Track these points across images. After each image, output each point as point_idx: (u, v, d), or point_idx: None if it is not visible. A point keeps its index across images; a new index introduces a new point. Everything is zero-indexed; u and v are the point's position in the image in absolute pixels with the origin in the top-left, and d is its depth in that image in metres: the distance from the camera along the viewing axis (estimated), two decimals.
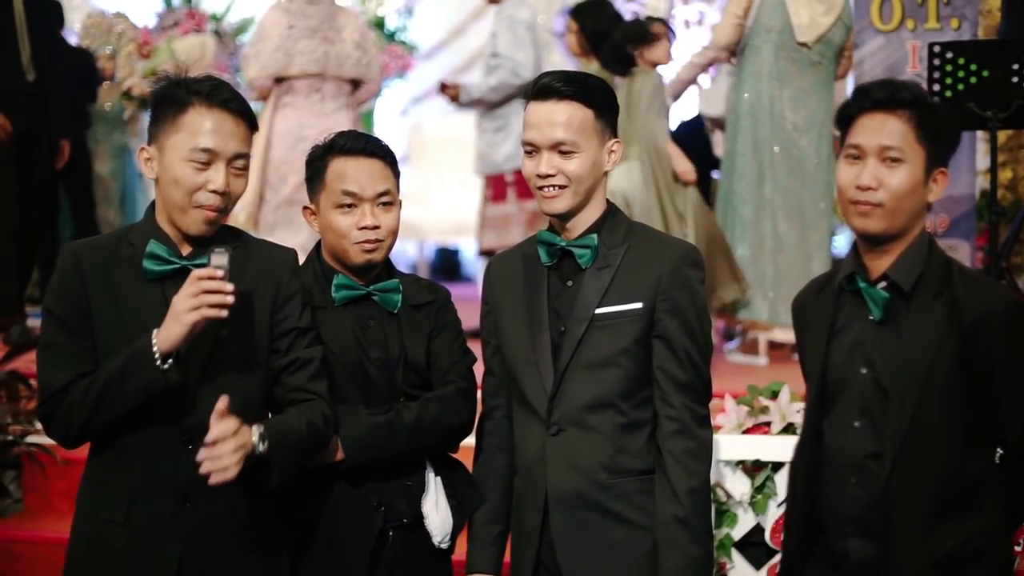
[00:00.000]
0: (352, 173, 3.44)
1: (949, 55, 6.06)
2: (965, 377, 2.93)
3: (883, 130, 2.96)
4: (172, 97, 3.18)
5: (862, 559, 3.04)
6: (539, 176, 3.30)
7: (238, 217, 6.98)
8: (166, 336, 3.05)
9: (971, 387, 2.94)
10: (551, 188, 3.29)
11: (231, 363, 3.21)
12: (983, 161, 7.98)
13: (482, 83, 7.86)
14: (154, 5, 11.72)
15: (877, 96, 2.98)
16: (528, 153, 3.33)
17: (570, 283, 3.33)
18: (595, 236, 3.32)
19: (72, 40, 10.93)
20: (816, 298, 3.18)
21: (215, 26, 11.69)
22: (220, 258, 3.04)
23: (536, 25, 7.95)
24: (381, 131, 12.78)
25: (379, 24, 12.51)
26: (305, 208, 3.55)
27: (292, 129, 7.09)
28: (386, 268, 3.58)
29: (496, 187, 7.95)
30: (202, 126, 3.15)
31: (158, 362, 3.05)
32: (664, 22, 7.27)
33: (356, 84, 7.34)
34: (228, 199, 3.19)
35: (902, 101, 2.96)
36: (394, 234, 3.50)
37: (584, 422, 3.28)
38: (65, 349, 3.17)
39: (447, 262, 12.31)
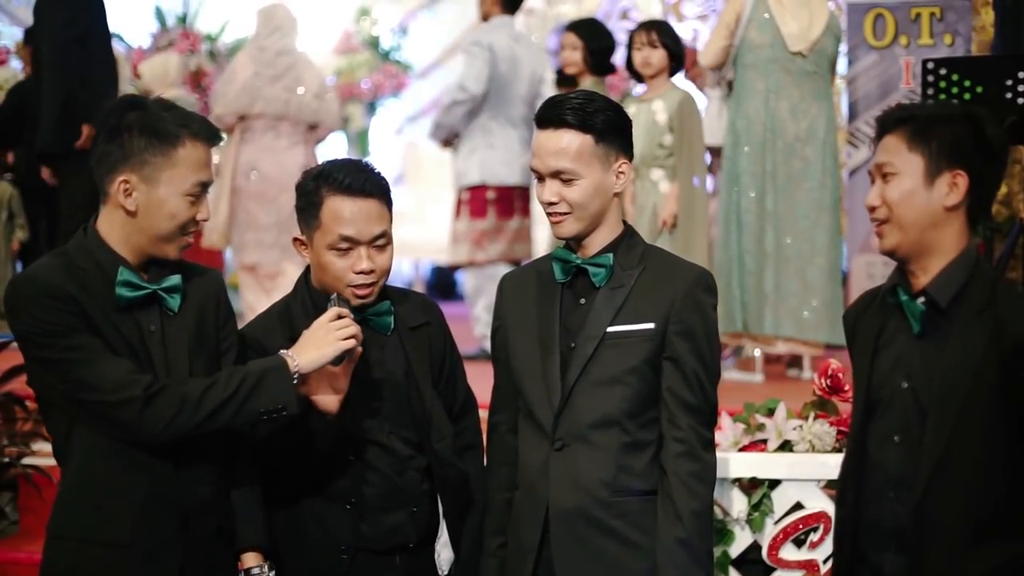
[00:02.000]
0: (349, 215, 3.39)
1: (943, 71, 6.07)
2: (1005, 398, 2.92)
3: (881, 150, 3.05)
4: (162, 131, 3.18)
5: (894, 573, 3.04)
6: (543, 203, 3.34)
7: (211, 236, 8.00)
8: (308, 362, 3.18)
9: (1011, 406, 2.92)
10: (556, 215, 3.32)
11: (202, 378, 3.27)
12: None
13: (439, 114, 8.16)
14: (148, 26, 11.74)
15: (885, 121, 3.08)
16: (538, 179, 3.37)
17: (583, 301, 3.34)
18: (611, 256, 3.34)
19: None
20: (865, 311, 3.19)
21: (210, 46, 11.71)
22: (343, 303, 3.31)
23: (494, 49, 8.01)
24: (376, 150, 12.81)
25: (374, 43, 12.53)
26: (296, 240, 3.51)
27: (249, 161, 7.99)
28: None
29: (475, 202, 8.09)
30: (198, 160, 3.21)
31: (295, 381, 3.17)
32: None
33: (313, 125, 8.22)
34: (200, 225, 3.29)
35: (899, 120, 3.04)
36: (387, 272, 3.50)
37: (589, 439, 3.28)
38: (98, 347, 3.13)
39: (442, 280, 12.31)
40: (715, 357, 3.33)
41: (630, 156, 3.38)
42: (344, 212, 3.39)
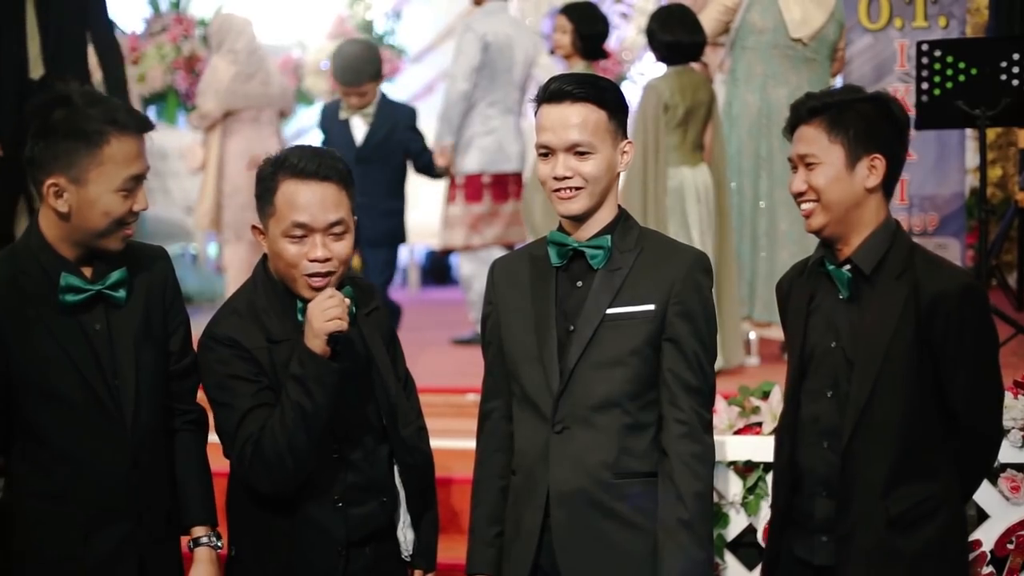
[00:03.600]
0: (303, 201, 3.29)
1: (937, 53, 6.07)
2: (921, 352, 3.25)
3: (800, 141, 3.36)
4: (87, 131, 3.14)
5: (825, 517, 3.33)
6: (556, 179, 3.30)
7: (202, 221, 8.87)
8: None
9: (926, 362, 3.25)
10: (568, 190, 3.30)
11: (151, 375, 3.31)
12: (972, 159, 8.00)
13: (439, 119, 8.25)
14: (142, 11, 11.70)
15: (797, 112, 3.39)
16: (543, 156, 3.33)
17: (580, 284, 3.33)
18: (609, 237, 3.33)
19: None
20: (797, 279, 3.49)
21: (203, 31, 11.66)
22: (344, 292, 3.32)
23: (487, 37, 8.03)
24: None
25: (367, 28, 12.50)
26: (254, 227, 3.43)
27: (243, 149, 8.66)
28: None
29: (470, 187, 8.14)
30: (127, 154, 3.18)
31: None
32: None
33: (282, 111, 9.24)
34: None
35: (813, 110, 3.34)
36: (347, 262, 3.39)
37: (590, 421, 3.28)
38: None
39: (437, 265, 12.29)
40: (713, 339, 3.34)
41: (629, 138, 3.38)
42: (299, 197, 3.30)
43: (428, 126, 8.34)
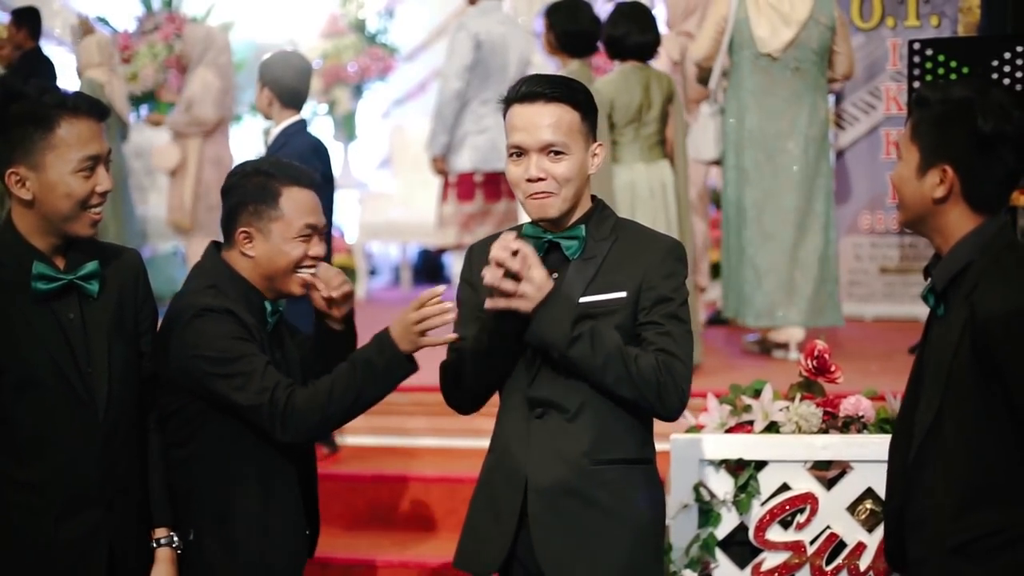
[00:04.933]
0: (312, 206, 3.56)
1: (929, 52, 6.06)
2: (981, 373, 3.03)
3: (901, 135, 3.20)
4: (38, 115, 3.20)
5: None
6: (529, 181, 3.26)
7: (185, 220, 9.34)
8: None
9: (989, 383, 3.03)
10: (542, 194, 3.26)
11: (123, 366, 3.35)
12: None
13: (433, 119, 8.36)
14: (134, 9, 11.68)
15: (913, 98, 3.25)
16: (515, 156, 3.29)
17: (555, 275, 3.29)
18: (583, 227, 3.31)
19: (52, 43, 10.92)
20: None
21: None
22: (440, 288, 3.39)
23: (480, 36, 8.09)
24: (363, 133, 12.78)
25: (360, 26, 12.49)
26: (241, 232, 3.55)
27: (215, 154, 9.29)
28: None
29: (463, 186, 8.24)
30: (80, 135, 3.23)
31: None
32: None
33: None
34: (108, 196, 3.31)
35: (918, 100, 3.15)
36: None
37: (567, 407, 3.27)
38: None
39: (430, 264, 12.28)
40: (689, 323, 3.32)
41: (598, 140, 3.37)
42: (308, 203, 3.56)
43: (421, 125, 8.37)
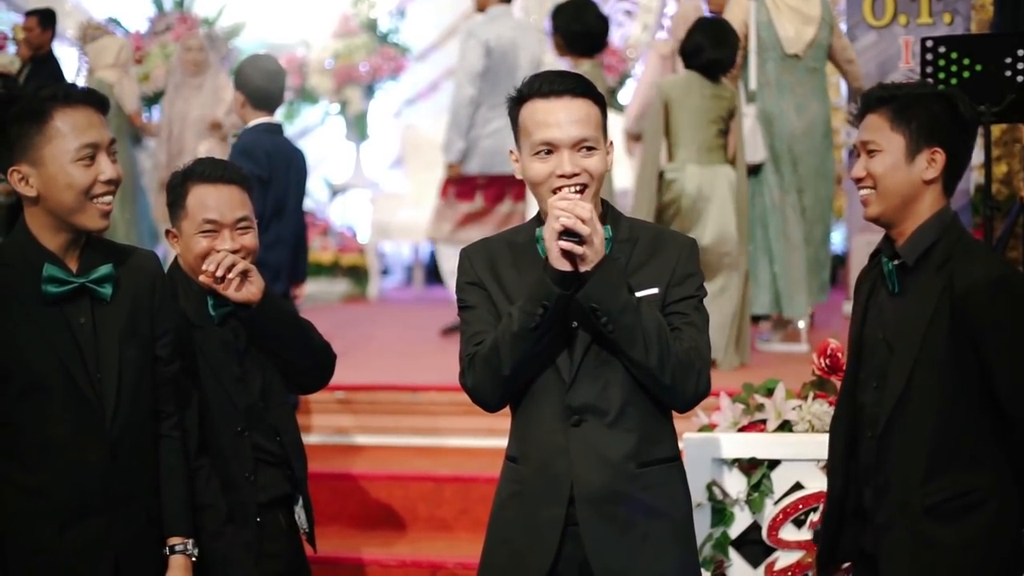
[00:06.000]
0: (213, 201, 3.70)
1: (942, 50, 6.05)
2: (960, 343, 3.26)
3: (864, 128, 3.41)
4: (32, 111, 3.19)
5: (869, 505, 3.39)
6: (561, 176, 3.18)
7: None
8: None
9: (967, 353, 3.26)
10: (572, 189, 3.17)
11: (135, 372, 3.31)
12: (978, 156, 7.92)
13: (448, 127, 8.46)
14: (146, 10, 11.70)
15: (865, 101, 3.44)
16: (543, 153, 3.20)
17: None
18: (609, 228, 3.23)
19: (64, 45, 10.94)
20: (867, 272, 3.52)
21: (207, 30, 11.67)
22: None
23: (490, 43, 8.21)
24: (374, 133, 12.79)
25: (371, 26, 12.50)
26: (168, 232, 3.79)
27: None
28: None
29: (462, 186, 8.42)
30: (76, 124, 3.20)
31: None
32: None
33: None
34: (117, 185, 3.27)
35: (880, 100, 3.39)
36: (254, 253, 3.78)
37: (607, 412, 3.20)
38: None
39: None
40: (707, 321, 3.31)
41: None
42: (208, 198, 3.70)
43: (433, 125, 8.42)
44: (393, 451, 6.30)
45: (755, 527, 4.44)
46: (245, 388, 3.77)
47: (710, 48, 6.99)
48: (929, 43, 6.07)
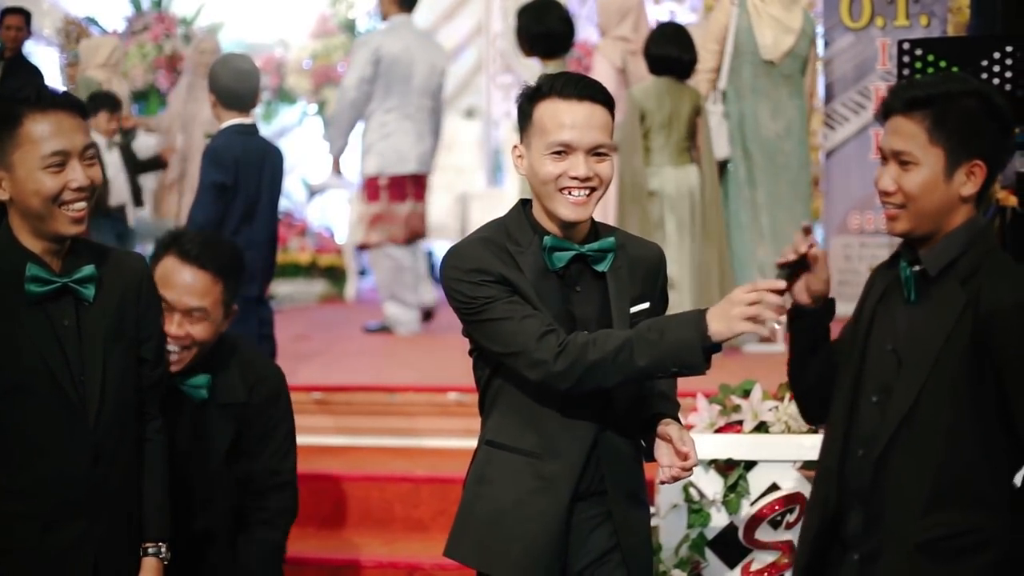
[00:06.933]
0: (177, 279, 3.74)
1: (918, 52, 6.06)
2: (980, 365, 2.89)
3: (896, 134, 2.95)
4: (3, 116, 3.14)
5: (855, 532, 3.01)
6: (575, 178, 3.16)
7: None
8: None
9: (986, 377, 2.89)
10: (582, 192, 3.17)
11: (119, 374, 3.27)
12: None
13: (329, 127, 9.17)
14: (123, 10, 11.67)
15: (894, 100, 2.97)
16: (557, 153, 3.17)
17: (579, 288, 3.23)
18: (612, 239, 3.26)
19: (41, 45, 10.89)
20: (882, 271, 3.14)
21: (185, 30, 11.64)
22: (783, 273, 3.11)
23: (380, 51, 8.49)
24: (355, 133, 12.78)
25: (349, 27, 12.49)
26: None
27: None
28: None
29: (370, 188, 8.74)
30: (44, 131, 3.13)
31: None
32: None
33: None
34: (91, 192, 3.20)
35: (915, 102, 2.93)
36: (202, 343, 3.79)
37: (620, 410, 3.26)
38: None
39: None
40: None
41: None
42: (172, 276, 3.75)
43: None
44: (370, 452, 6.28)
45: (731, 528, 4.45)
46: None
47: (679, 53, 7.20)
48: (906, 45, 6.07)
